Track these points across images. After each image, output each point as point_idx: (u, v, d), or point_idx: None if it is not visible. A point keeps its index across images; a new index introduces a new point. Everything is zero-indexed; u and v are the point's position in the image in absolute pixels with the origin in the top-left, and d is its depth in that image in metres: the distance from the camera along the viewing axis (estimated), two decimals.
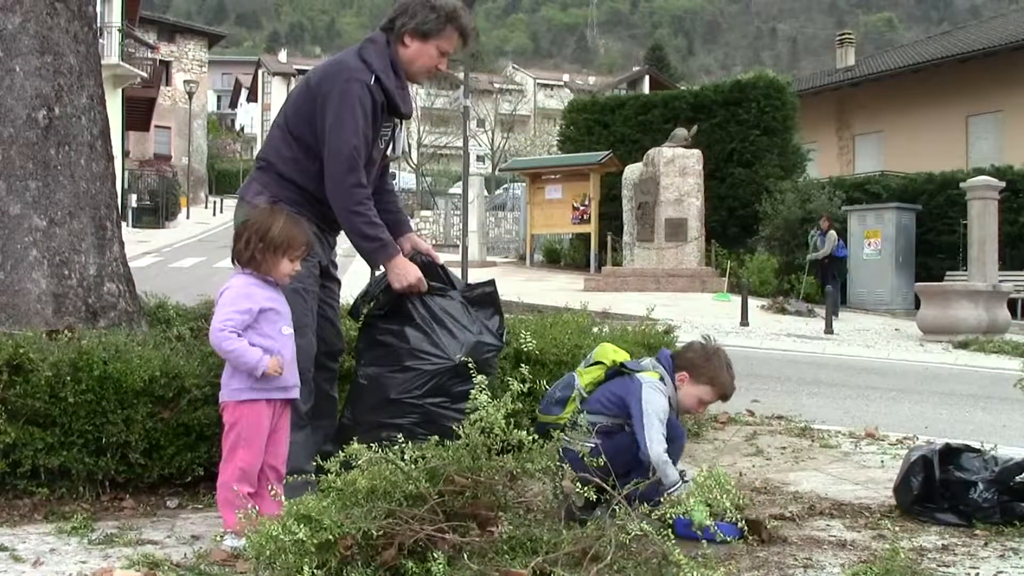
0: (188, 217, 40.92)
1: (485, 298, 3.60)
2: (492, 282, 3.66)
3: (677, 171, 20.01)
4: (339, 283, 3.76)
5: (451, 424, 2.97)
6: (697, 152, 20.26)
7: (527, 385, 2.98)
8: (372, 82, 3.38)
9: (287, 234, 3.11)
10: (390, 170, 4.04)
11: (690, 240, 19.81)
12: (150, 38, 44.47)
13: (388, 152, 3.64)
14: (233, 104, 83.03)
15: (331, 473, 2.64)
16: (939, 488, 3.65)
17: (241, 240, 3.12)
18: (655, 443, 3.21)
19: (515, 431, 2.76)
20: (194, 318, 4.77)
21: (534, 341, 4.39)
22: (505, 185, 35.73)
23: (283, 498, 2.74)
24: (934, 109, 26.16)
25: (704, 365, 3.49)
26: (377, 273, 3.64)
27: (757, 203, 20.94)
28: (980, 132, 25.55)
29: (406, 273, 3.41)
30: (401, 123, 3.64)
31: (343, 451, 2.71)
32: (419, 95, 48.22)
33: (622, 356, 3.61)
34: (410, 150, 45.40)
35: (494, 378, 3.51)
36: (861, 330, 14.94)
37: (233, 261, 3.17)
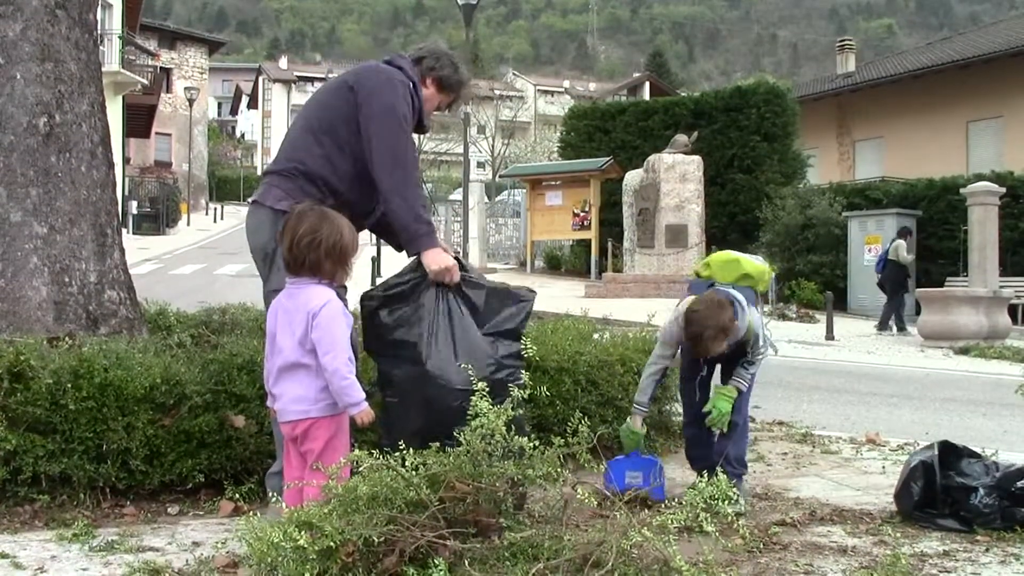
0: (189, 224, 40.94)
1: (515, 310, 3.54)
2: (532, 294, 3.65)
3: (678, 177, 20.02)
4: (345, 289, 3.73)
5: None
6: (697, 158, 20.26)
7: (527, 392, 2.98)
8: (411, 87, 3.53)
9: (352, 239, 3.10)
10: None
11: (691, 246, 19.80)
12: (151, 45, 44.52)
13: None
14: (234, 111, 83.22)
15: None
16: (940, 494, 3.65)
17: (319, 251, 3.00)
18: None
19: (516, 437, 2.76)
20: (195, 325, 4.78)
21: (535, 348, 4.39)
22: (507, 190, 35.67)
23: (284, 504, 2.74)
24: (934, 115, 26.16)
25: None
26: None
27: (758, 209, 20.94)
28: (980, 138, 25.54)
29: (444, 258, 3.38)
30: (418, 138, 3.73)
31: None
32: None
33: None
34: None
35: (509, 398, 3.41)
36: (862, 336, 14.94)
37: (293, 272, 3.06)
